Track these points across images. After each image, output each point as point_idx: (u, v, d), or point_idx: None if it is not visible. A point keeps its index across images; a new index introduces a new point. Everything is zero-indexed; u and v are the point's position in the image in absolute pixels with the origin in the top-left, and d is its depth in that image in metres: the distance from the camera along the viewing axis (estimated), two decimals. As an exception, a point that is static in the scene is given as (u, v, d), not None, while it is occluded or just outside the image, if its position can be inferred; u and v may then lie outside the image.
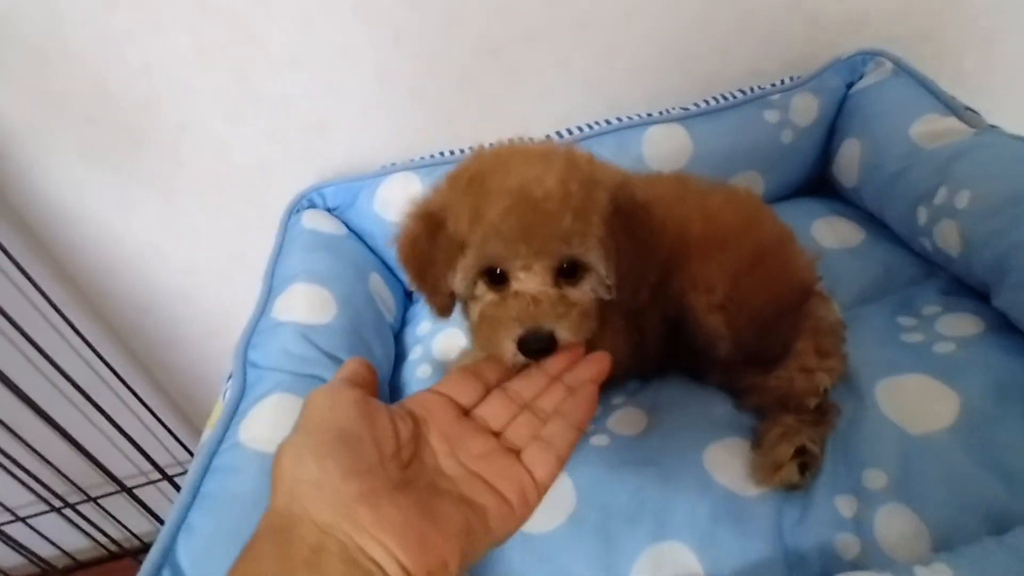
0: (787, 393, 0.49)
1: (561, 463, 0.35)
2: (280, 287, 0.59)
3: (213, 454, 0.43)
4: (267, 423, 0.45)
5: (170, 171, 0.73)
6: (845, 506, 0.44)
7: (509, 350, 0.38)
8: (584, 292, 0.42)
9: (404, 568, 0.27)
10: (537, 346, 0.38)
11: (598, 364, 0.39)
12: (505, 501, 0.32)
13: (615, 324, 0.47)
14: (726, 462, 0.47)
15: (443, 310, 0.44)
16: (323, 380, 0.52)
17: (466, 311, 0.45)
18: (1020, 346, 0.51)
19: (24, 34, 0.63)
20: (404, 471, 0.31)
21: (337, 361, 0.54)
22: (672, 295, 0.49)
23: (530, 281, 0.40)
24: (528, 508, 0.33)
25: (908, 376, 0.51)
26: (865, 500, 0.44)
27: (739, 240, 0.50)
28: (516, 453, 0.34)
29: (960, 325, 0.55)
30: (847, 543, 0.43)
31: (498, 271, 0.41)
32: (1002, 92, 0.86)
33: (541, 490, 0.34)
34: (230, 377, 0.51)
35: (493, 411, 0.37)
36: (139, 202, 0.74)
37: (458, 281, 0.42)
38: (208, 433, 0.46)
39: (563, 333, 0.39)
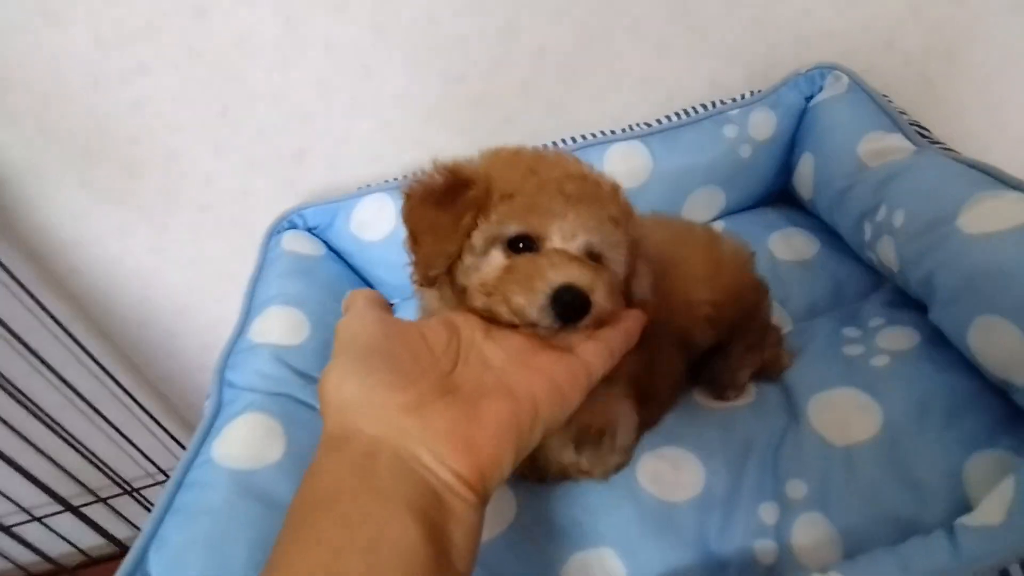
0: (711, 384, 0.57)
1: (614, 359, 0.36)
2: (257, 309, 0.63)
3: (187, 470, 0.48)
4: (238, 441, 0.50)
5: (162, 200, 0.78)
6: (768, 514, 0.47)
7: (536, 303, 0.34)
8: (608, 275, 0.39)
9: (456, 473, 0.28)
10: (571, 298, 0.34)
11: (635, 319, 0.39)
12: (555, 386, 0.33)
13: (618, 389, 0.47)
14: (657, 471, 0.50)
15: (428, 276, 0.39)
16: (295, 399, 0.55)
17: (452, 281, 0.40)
18: (949, 361, 0.53)
19: (27, 77, 0.69)
20: (447, 378, 0.32)
21: (309, 379, 0.58)
22: (674, 330, 0.53)
23: (563, 247, 0.37)
24: (579, 391, 0.34)
25: (840, 390, 0.54)
26: (786, 509, 0.47)
27: (707, 259, 0.56)
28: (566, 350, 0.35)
29: (899, 338, 0.58)
30: (766, 550, 0.46)
31: (520, 243, 0.38)
32: (967, 99, 0.87)
33: (592, 373, 0.34)
34: (208, 397, 0.55)
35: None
36: (135, 228, 0.79)
37: (478, 236, 0.38)
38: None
39: (599, 297, 0.35)
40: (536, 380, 0.33)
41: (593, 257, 0.39)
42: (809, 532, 0.46)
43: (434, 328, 0.34)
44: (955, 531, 0.39)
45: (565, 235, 0.38)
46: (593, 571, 0.46)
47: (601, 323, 0.37)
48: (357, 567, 0.25)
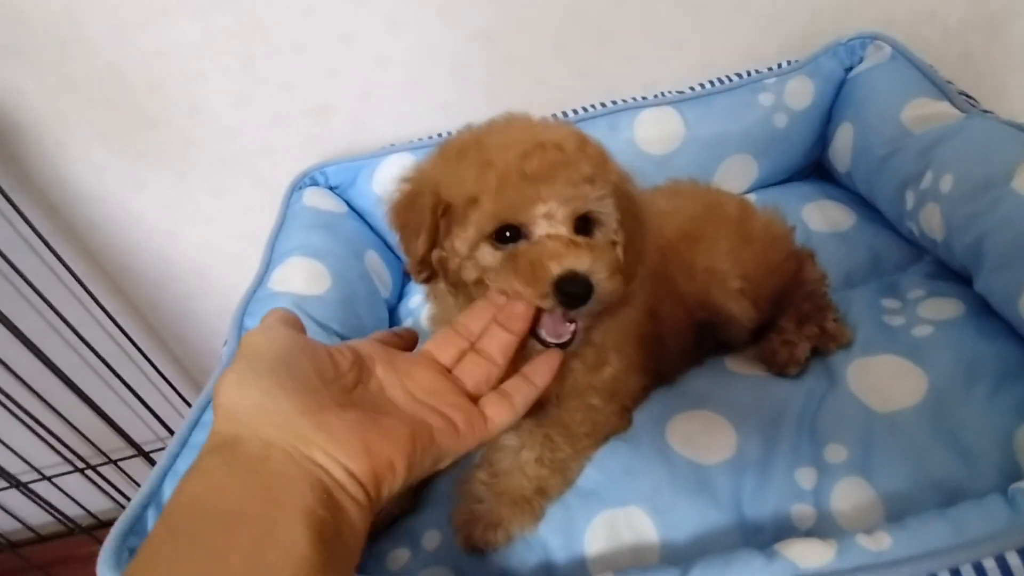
0: (771, 362, 0.54)
1: (516, 415, 0.36)
2: (278, 260, 0.62)
3: (204, 409, 0.46)
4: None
5: (182, 154, 0.77)
6: (805, 478, 0.45)
7: (540, 292, 0.36)
8: (604, 243, 0.40)
9: (350, 472, 0.28)
10: (574, 288, 0.36)
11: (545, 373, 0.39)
12: (451, 423, 0.33)
13: (627, 347, 0.48)
14: (689, 432, 0.49)
15: (416, 272, 0.42)
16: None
17: (447, 276, 0.42)
18: (995, 329, 0.51)
19: (46, 23, 0.68)
20: (348, 395, 0.32)
21: (329, 330, 0.57)
22: (697, 298, 0.53)
23: (553, 231, 0.37)
24: (475, 435, 0.34)
25: (880, 356, 0.52)
26: (824, 473, 0.45)
27: (735, 233, 0.55)
28: (473, 399, 0.36)
29: (941, 308, 0.56)
30: (803, 513, 0.44)
31: (507, 232, 0.38)
32: (1008, 76, 0.84)
33: (491, 427, 0.35)
34: (226, 343, 0.54)
35: (439, 346, 0.37)
36: (154, 183, 0.78)
37: (461, 242, 0.39)
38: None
39: (600, 279, 0.36)
40: (433, 415, 0.33)
41: (585, 221, 0.39)
42: (849, 496, 0.44)
43: (340, 350, 0.34)
44: (1012, 495, 0.37)
45: (549, 215, 0.38)
46: (620, 529, 0.44)
47: (604, 304, 0.37)
48: (239, 570, 0.24)
